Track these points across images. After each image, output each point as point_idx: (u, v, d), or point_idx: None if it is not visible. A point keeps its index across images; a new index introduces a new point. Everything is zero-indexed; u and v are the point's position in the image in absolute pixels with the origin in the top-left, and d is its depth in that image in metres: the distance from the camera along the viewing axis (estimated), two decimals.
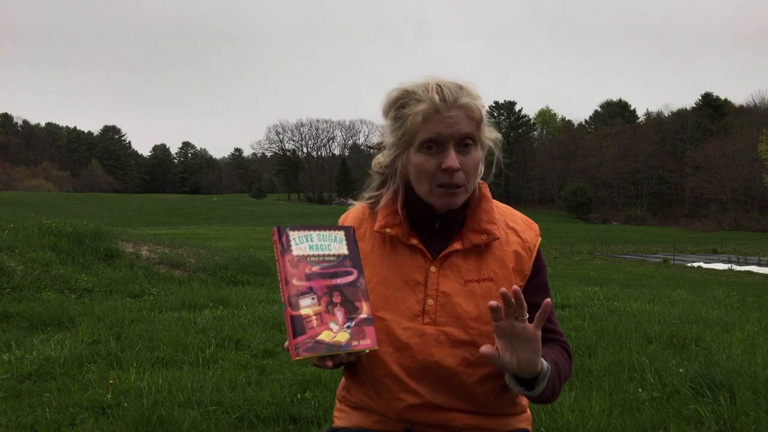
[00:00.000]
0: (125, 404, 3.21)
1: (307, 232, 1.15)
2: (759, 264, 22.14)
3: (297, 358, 1.05)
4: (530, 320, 1.31)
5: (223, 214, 68.08)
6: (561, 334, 1.37)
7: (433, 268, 1.30)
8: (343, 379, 1.45)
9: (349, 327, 1.11)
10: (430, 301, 1.28)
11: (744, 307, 7.79)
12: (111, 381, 3.66)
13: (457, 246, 1.29)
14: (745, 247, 36.33)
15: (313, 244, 1.14)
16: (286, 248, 1.11)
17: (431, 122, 1.21)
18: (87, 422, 3.01)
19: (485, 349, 1.14)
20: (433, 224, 1.32)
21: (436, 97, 1.20)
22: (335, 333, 1.09)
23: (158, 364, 4.18)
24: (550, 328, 1.35)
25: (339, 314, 1.11)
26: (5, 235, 8.66)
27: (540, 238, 1.38)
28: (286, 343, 1.11)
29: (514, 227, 1.35)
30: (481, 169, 1.32)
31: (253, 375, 3.87)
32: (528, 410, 1.43)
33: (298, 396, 3.39)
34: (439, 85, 1.22)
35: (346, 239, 1.20)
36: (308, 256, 1.12)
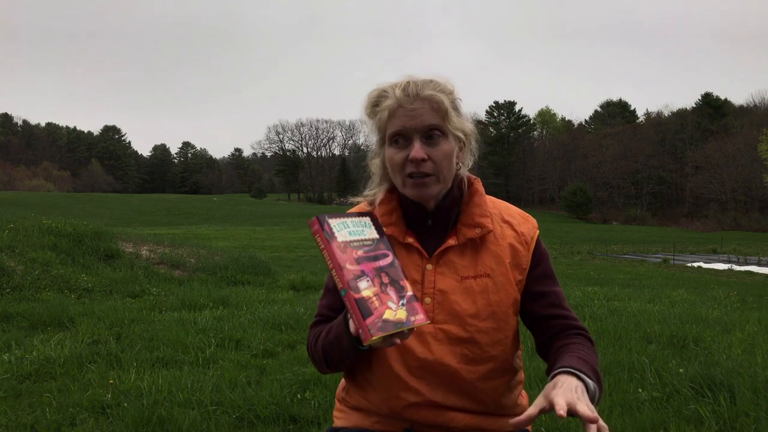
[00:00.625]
0: (125, 404, 3.21)
1: (343, 219, 1.18)
2: (759, 264, 22.13)
3: (371, 338, 1.05)
4: (538, 308, 1.32)
5: (223, 214, 68.08)
6: (575, 319, 1.34)
7: (429, 266, 1.30)
8: (343, 379, 1.46)
9: (403, 305, 1.13)
10: (428, 300, 1.29)
11: (744, 307, 7.79)
12: (111, 381, 3.66)
13: (451, 242, 1.30)
14: (745, 247, 36.32)
15: (351, 230, 1.17)
16: (331, 235, 1.13)
17: (396, 116, 1.24)
18: (87, 422, 3.01)
19: (516, 421, 1.01)
20: (425, 221, 1.33)
21: (399, 92, 1.24)
22: (395, 311, 1.11)
23: (158, 364, 4.18)
24: (562, 314, 1.34)
25: (392, 293, 1.13)
26: (5, 235, 8.66)
27: (538, 231, 1.37)
28: (353, 327, 1.12)
29: (509, 221, 1.35)
30: (467, 161, 1.34)
31: (253, 375, 3.87)
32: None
33: (298, 396, 3.39)
34: (408, 81, 1.25)
35: (374, 224, 1.23)
36: (351, 241, 1.15)
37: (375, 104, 1.28)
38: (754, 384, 3.31)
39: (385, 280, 1.14)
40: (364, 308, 1.07)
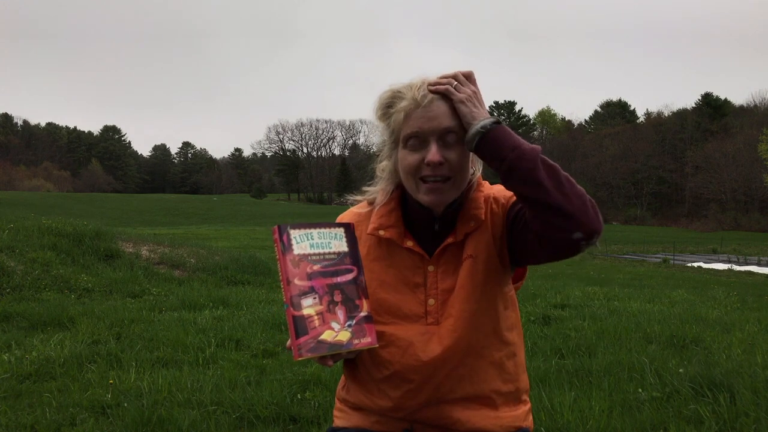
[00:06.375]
0: (125, 404, 3.21)
1: (307, 231, 1.15)
2: (759, 264, 22.12)
3: (300, 358, 1.06)
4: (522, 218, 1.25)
5: (223, 214, 68.03)
6: None
7: (431, 267, 1.29)
8: (343, 378, 1.45)
9: (350, 326, 1.12)
10: (432, 301, 1.28)
11: (744, 307, 7.78)
12: (111, 381, 3.66)
13: (450, 239, 1.29)
14: (745, 247, 36.27)
15: (313, 243, 1.14)
16: (287, 247, 1.11)
17: (412, 118, 1.21)
18: (87, 422, 3.01)
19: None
20: (432, 226, 1.31)
21: (417, 94, 1.21)
22: (337, 332, 1.10)
23: (158, 364, 4.18)
24: None
25: (340, 313, 1.12)
26: (5, 235, 8.66)
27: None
28: (288, 343, 1.11)
29: (496, 195, 1.33)
30: (479, 165, 1.32)
31: (253, 375, 3.87)
32: (529, 411, 1.43)
33: (298, 396, 3.39)
34: (423, 82, 1.22)
35: (346, 236, 1.20)
36: (309, 254, 1.12)
37: (388, 105, 1.26)
38: (754, 384, 3.31)
39: (337, 298, 1.12)
40: (300, 326, 1.06)
